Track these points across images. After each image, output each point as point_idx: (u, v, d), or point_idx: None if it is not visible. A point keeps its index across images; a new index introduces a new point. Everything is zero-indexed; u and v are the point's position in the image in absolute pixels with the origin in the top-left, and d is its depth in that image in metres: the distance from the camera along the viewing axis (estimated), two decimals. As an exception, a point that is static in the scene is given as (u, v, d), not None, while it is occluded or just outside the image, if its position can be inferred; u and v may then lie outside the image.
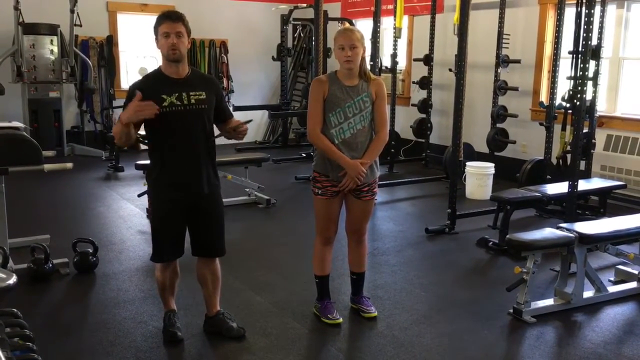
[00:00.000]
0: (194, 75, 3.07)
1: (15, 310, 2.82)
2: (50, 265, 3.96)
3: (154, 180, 3.08)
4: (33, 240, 4.26)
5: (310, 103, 3.27)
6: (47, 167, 3.83)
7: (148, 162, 3.11)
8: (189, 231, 3.13)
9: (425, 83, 7.78)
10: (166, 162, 3.00)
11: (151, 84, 2.98)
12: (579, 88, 4.53)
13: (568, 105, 5.56)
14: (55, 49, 8.07)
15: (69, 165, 4.03)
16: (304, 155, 8.31)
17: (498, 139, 6.87)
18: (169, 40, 2.89)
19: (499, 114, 6.85)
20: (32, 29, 7.89)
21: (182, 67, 2.98)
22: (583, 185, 4.99)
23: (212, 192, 3.09)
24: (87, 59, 8.35)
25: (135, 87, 2.97)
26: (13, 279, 2.18)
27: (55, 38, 8.06)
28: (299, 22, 9.64)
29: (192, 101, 2.97)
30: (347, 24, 8.32)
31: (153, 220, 3.15)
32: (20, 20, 7.73)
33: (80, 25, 7.95)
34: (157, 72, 3.03)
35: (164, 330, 3.20)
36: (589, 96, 5.18)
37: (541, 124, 6.16)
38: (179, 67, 2.97)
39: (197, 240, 3.15)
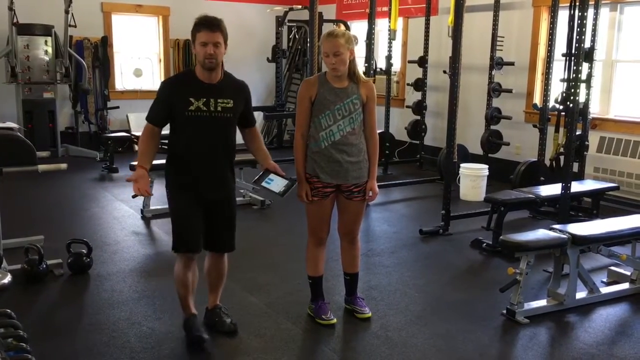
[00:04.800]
0: (226, 81, 3.03)
1: (9, 310, 2.82)
2: (44, 266, 3.95)
3: (171, 181, 3.09)
4: (27, 241, 4.24)
5: (297, 107, 3.29)
6: (42, 167, 3.83)
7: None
8: (204, 227, 3.12)
9: (419, 85, 7.79)
10: (184, 166, 3.01)
11: (181, 84, 2.99)
12: (572, 90, 4.56)
13: (561, 107, 5.58)
14: (50, 50, 8.06)
15: (63, 165, 4.03)
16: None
17: (492, 140, 6.89)
18: (207, 49, 2.86)
19: (493, 116, 6.88)
20: (26, 29, 7.87)
21: (215, 73, 2.96)
22: (576, 186, 5.02)
23: (227, 195, 3.13)
24: (82, 59, 8.33)
25: (167, 84, 3.05)
26: (7, 279, 2.19)
27: (49, 39, 8.05)
28: (294, 24, 9.65)
29: (219, 109, 2.96)
30: (341, 26, 8.33)
31: (175, 210, 3.09)
32: (15, 20, 7.71)
33: (75, 26, 7.92)
34: (190, 73, 3.01)
35: (188, 335, 3.10)
36: (582, 98, 5.20)
37: (535, 126, 6.19)
38: (211, 73, 2.95)
39: (211, 236, 3.14)
